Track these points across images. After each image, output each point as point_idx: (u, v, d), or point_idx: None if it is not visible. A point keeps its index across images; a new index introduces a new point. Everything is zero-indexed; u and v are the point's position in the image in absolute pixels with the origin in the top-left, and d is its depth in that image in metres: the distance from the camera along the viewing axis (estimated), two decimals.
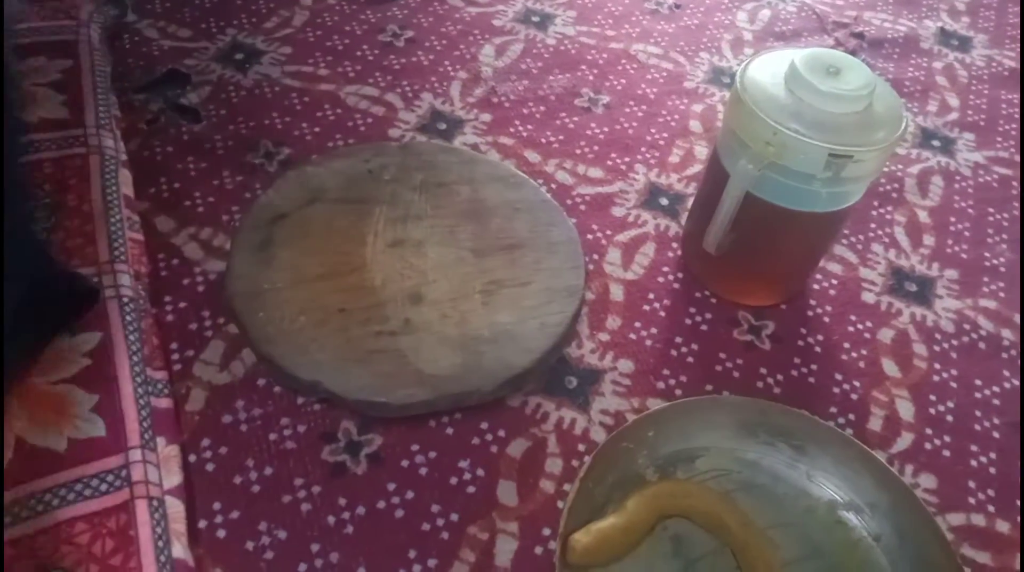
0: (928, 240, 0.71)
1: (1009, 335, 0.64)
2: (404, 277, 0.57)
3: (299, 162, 0.56)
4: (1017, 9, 1.01)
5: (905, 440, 0.57)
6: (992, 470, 0.56)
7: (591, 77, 0.82)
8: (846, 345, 0.62)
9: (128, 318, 0.50)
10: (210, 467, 0.50)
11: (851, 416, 0.58)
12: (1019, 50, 0.94)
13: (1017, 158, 0.80)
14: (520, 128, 0.75)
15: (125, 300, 0.51)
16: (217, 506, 0.49)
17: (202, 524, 0.48)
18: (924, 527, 0.48)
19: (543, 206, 0.64)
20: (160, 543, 0.43)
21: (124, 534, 0.42)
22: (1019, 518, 0.54)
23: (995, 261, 0.70)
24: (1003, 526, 0.53)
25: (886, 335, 0.63)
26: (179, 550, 0.43)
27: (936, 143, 0.81)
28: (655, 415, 0.51)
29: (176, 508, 0.45)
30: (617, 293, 0.63)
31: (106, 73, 0.66)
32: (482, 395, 0.52)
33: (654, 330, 0.61)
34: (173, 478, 0.46)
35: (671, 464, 0.52)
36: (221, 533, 0.48)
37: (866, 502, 0.51)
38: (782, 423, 0.52)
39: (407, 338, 0.54)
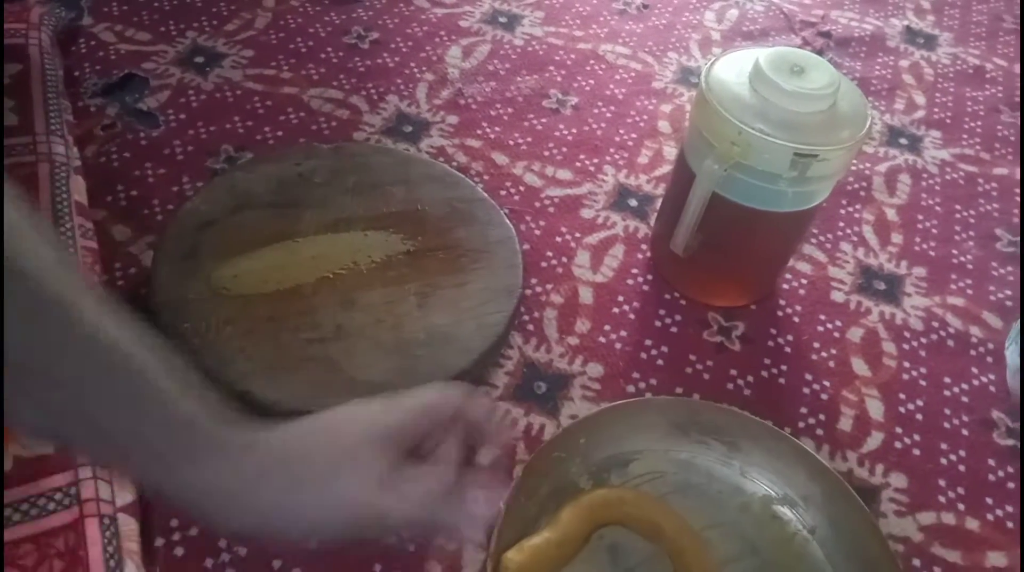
0: (896, 238, 0.71)
1: (977, 332, 0.64)
2: (336, 282, 0.56)
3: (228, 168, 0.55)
4: (981, 7, 1.01)
5: (875, 439, 0.57)
6: (961, 468, 0.56)
7: (559, 78, 0.81)
8: (816, 345, 0.62)
9: None
10: None
11: (821, 416, 0.57)
12: (986, 49, 0.95)
13: (983, 155, 0.81)
14: (488, 130, 0.75)
15: None
16: (174, 523, 0.47)
17: (159, 542, 0.46)
18: (858, 517, 0.48)
19: (480, 205, 0.63)
20: (112, 563, 0.41)
21: (73, 554, 0.41)
22: (990, 516, 0.54)
23: (962, 258, 0.70)
24: (972, 524, 0.53)
25: (855, 334, 0.63)
26: (132, 569, 0.42)
27: (903, 141, 0.81)
28: (585, 422, 0.51)
29: (130, 526, 0.43)
30: (586, 296, 0.62)
31: (58, 77, 0.64)
32: None
33: (623, 333, 0.60)
34: (126, 495, 0.44)
35: (605, 470, 0.51)
36: (179, 551, 0.46)
37: (800, 495, 0.51)
38: (713, 420, 0.52)
39: (339, 344, 0.52)
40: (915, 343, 0.63)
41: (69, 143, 0.61)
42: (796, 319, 0.63)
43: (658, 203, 0.69)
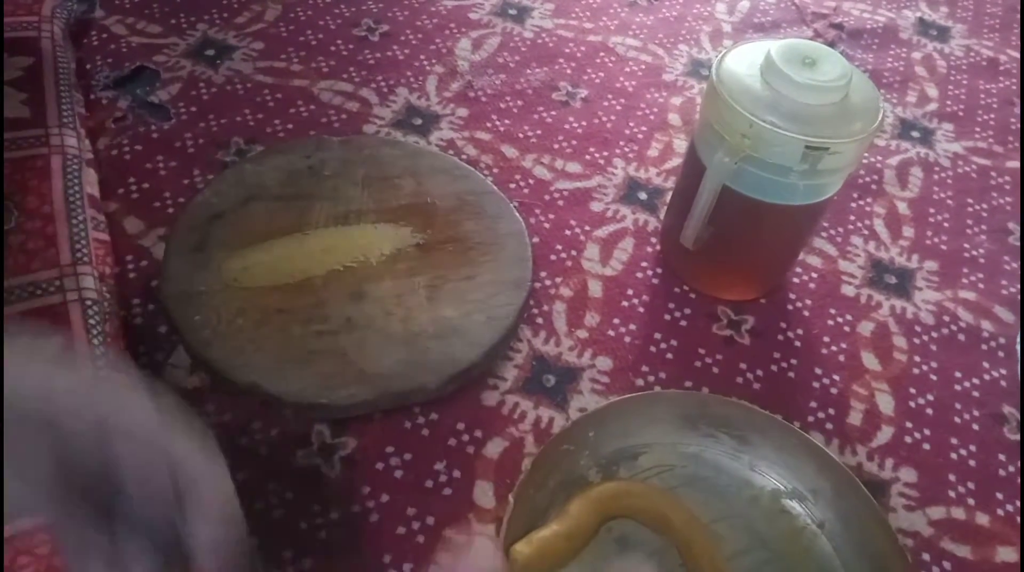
0: (907, 232, 0.71)
1: (988, 327, 0.64)
2: (346, 274, 0.57)
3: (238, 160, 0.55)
4: None
5: (885, 434, 0.56)
6: (972, 463, 0.56)
7: (569, 70, 0.81)
8: (826, 339, 0.62)
9: (92, 321, 0.49)
10: None
11: (831, 410, 0.57)
12: (1000, 41, 0.94)
13: (996, 148, 0.80)
14: (497, 123, 0.74)
15: (88, 303, 0.49)
16: None
17: None
18: (867, 512, 0.48)
19: (489, 198, 0.63)
20: None
21: None
22: (1000, 511, 0.53)
23: (974, 252, 0.70)
24: (983, 519, 0.53)
25: (866, 328, 0.63)
26: None
27: (915, 134, 0.80)
28: (595, 415, 0.51)
29: None
30: (595, 289, 0.62)
31: (70, 70, 0.65)
32: (427, 392, 0.52)
33: (633, 326, 0.60)
34: None
35: (614, 463, 0.51)
36: None
37: (809, 489, 0.51)
38: (722, 414, 0.52)
39: (348, 337, 0.53)
40: (926, 337, 0.63)
41: (81, 135, 0.61)
42: (806, 313, 0.63)
43: (668, 196, 0.69)
